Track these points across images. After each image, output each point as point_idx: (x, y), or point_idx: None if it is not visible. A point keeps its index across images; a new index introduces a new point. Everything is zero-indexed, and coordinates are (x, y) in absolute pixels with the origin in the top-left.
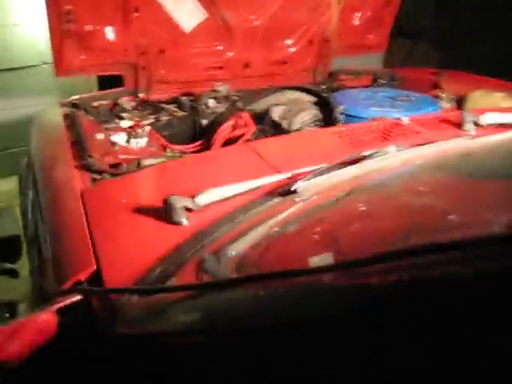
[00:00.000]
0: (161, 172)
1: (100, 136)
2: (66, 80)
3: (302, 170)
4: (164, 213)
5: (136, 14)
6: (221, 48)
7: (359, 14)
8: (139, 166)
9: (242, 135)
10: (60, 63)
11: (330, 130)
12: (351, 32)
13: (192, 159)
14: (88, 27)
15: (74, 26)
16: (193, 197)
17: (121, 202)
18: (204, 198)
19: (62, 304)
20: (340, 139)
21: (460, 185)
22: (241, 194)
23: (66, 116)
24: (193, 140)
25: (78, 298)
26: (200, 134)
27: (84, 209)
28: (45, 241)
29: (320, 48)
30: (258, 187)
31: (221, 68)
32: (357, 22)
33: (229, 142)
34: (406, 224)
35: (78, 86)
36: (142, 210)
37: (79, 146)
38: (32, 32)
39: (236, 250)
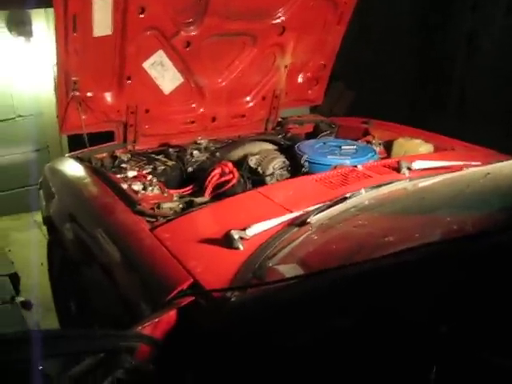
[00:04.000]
0: (208, 212)
1: (124, 186)
2: (37, 131)
3: (306, 208)
4: (227, 241)
5: (128, 82)
6: (193, 106)
7: (301, 75)
8: (184, 209)
9: (229, 181)
10: (64, 123)
11: (309, 177)
12: (295, 89)
13: (226, 203)
14: (89, 93)
15: (77, 93)
16: (243, 229)
17: (189, 235)
18: (251, 231)
19: (181, 305)
20: (319, 184)
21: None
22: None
23: (92, 170)
24: (180, 184)
25: (188, 300)
26: (186, 180)
27: (159, 241)
28: (125, 270)
29: (271, 102)
30: (282, 222)
31: (193, 122)
32: (299, 81)
33: (218, 186)
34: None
35: (48, 137)
36: (208, 240)
37: (125, 197)
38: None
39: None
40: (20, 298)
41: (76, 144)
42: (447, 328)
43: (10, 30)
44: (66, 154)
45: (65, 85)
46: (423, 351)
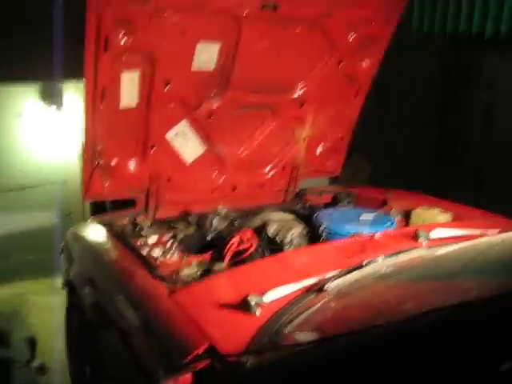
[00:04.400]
0: (226, 278)
1: (144, 251)
2: (61, 198)
3: (323, 275)
4: (244, 306)
5: (152, 150)
6: (214, 175)
7: (320, 147)
8: (202, 275)
9: (248, 249)
10: (88, 190)
11: (327, 245)
12: (314, 160)
13: (244, 269)
14: (113, 161)
15: (102, 161)
16: (260, 295)
17: (207, 300)
18: (268, 296)
19: (197, 369)
20: (337, 252)
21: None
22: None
23: (115, 236)
24: (200, 251)
25: (203, 364)
26: (205, 247)
27: (178, 306)
28: (143, 334)
29: (290, 173)
30: (299, 288)
31: (214, 190)
32: (318, 153)
33: (237, 254)
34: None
35: (71, 203)
36: (225, 305)
37: (145, 262)
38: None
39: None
40: (35, 363)
41: (98, 211)
42: None
43: (43, 100)
44: (88, 220)
45: (90, 153)
46: None
